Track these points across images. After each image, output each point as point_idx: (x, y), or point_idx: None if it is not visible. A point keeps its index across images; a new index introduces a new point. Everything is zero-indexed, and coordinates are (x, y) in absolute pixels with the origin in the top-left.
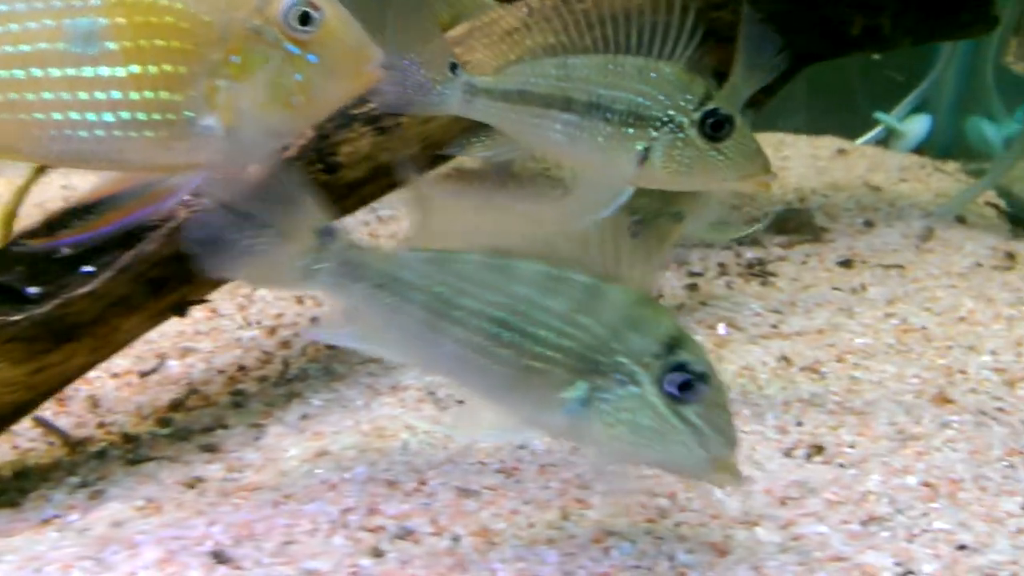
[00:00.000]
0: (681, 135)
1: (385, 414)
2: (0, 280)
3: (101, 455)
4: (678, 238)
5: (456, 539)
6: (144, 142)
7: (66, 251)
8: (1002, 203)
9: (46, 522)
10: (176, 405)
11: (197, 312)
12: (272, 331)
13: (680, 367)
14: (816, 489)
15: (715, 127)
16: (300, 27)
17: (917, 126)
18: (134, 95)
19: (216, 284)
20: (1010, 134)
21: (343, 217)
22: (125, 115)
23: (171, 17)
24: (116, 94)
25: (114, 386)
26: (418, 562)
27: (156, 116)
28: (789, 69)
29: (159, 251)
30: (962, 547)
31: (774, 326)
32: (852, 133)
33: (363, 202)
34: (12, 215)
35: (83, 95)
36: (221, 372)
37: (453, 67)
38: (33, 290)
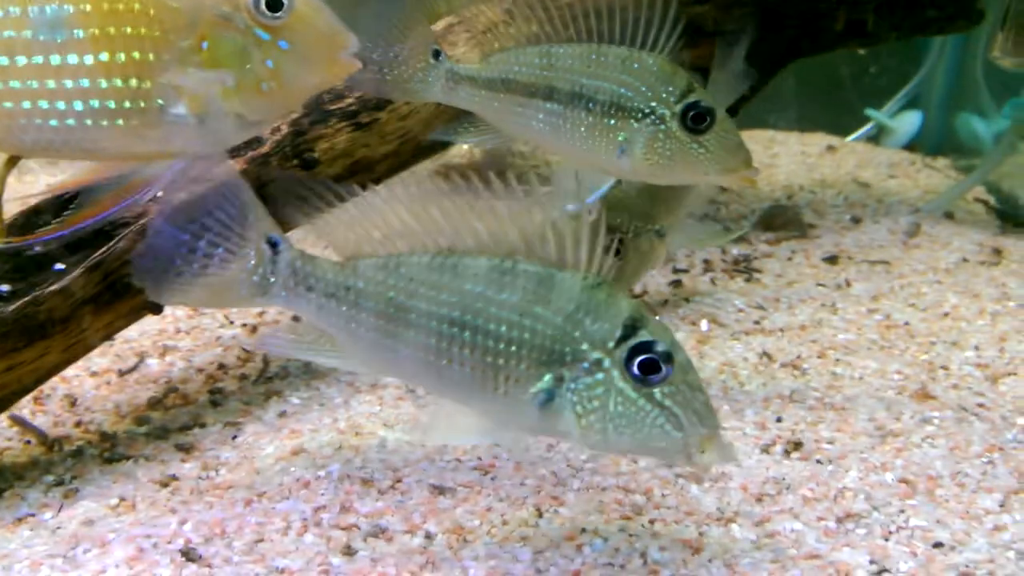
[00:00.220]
0: (663, 127)
1: (363, 412)
2: None
3: (78, 454)
4: (662, 255)
5: (429, 537)
6: (116, 131)
7: (38, 249)
8: (991, 199)
9: (20, 520)
10: (154, 404)
11: (178, 311)
12: (253, 329)
13: (642, 348)
14: (792, 486)
15: (696, 120)
16: (269, 13)
17: (908, 122)
18: (103, 83)
19: None
20: (999, 130)
21: None
22: (95, 103)
23: (138, 4)
24: (85, 82)
25: (93, 384)
26: (389, 560)
27: (126, 104)
28: (773, 66)
29: (131, 249)
30: (938, 545)
31: (757, 322)
32: (843, 130)
33: None
34: None
35: (51, 83)
36: (201, 371)
37: (436, 54)
38: (3, 288)
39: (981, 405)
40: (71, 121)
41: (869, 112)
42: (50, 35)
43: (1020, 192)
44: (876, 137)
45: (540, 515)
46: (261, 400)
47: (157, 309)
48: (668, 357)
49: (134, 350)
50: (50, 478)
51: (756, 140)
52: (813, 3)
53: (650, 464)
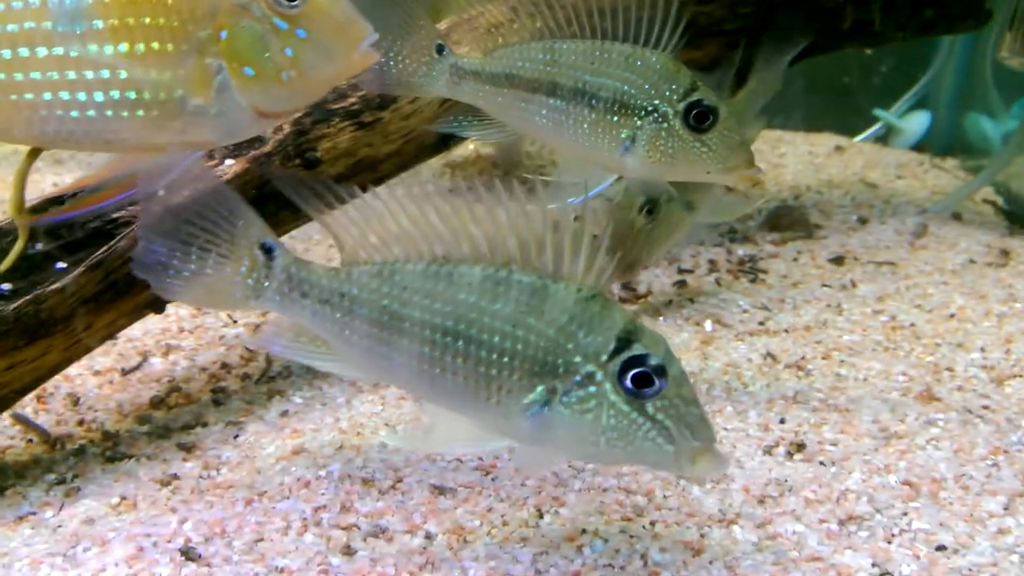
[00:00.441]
0: (665, 125)
1: (366, 412)
2: None
3: (80, 452)
4: (687, 227)
5: (429, 537)
6: (136, 122)
7: (39, 247)
8: (999, 200)
9: (21, 519)
10: (157, 403)
11: (182, 310)
12: (256, 329)
13: (635, 362)
14: (795, 487)
15: (699, 118)
16: (287, 1)
17: (916, 123)
18: (123, 74)
19: None
20: (1008, 130)
21: None
22: (115, 94)
23: None
24: (105, 73)
25: (95, 384)
26: (389, 560)
27: (146, 95)
28: None
29: (132, 247)
30: (941, 548)
31: (761, 323)
32: (851, 130)
33: None
34: (22, 201)
35: (72, 75)
36: (204, 370)
37: (440, 49)
38: (4, 286)
39: (986, 407)
40: (92, 112)
41: (877, 112)
42: (70, 26)
43: None
44: (884, 137)
45: (541, 516)
46: (263, 399)
47: (159, 308)
48: (661, 371)
49: (137, 349)
50: (52, 477)
51: (763, 140)
52: (819, 2)
53: None
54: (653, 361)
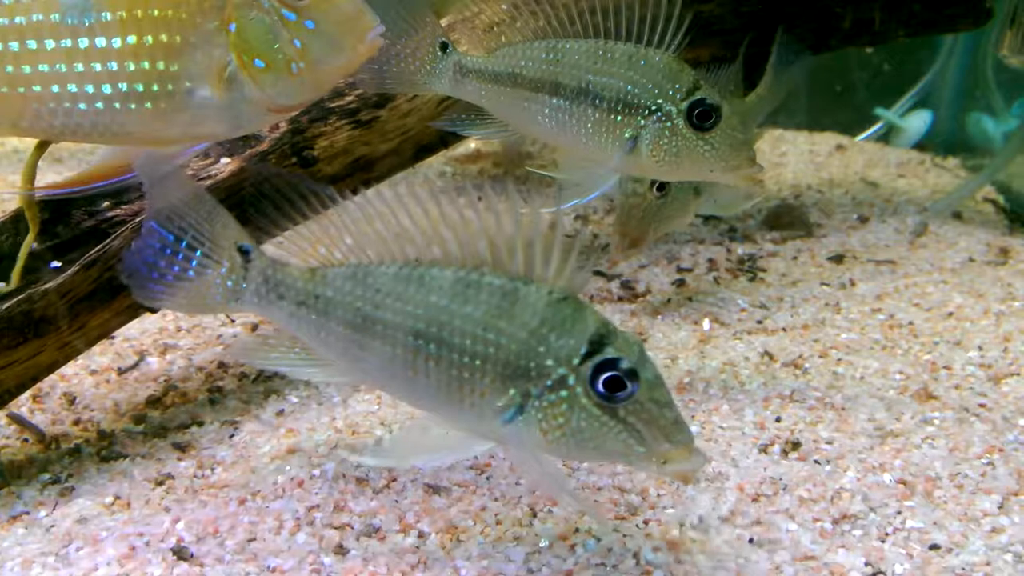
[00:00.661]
0: (668, 124)
1: (361, 411)
2: None
3: (75, 452)
4: (693, 210)
5: (422, 536)
6: (144, 114)
7: (35, 246)
8: (1000, 199)
9: (14, 518)
10: (153, 402)
11: None
12: (253, 328)
13: (607, 365)
14: (789, 486)
15: (702, 117)
16: None
17: (918, 122)
18: (131, 66)
19: None
20: (1010, 129)
21: None
22: (123, 86)
23: None
24: (113, 65)
25: (92, 383)
26: (381, 559)
27: (155, 87)
28: None
29: (126, 247)
30: (935, 547)
31: (759, 321)
32: (852, 129)
33: None
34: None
35: (80, 67)
36: (200, 369)
37: (444, 47)
38: None
39: (983, 406)
40: (100, 104)
41: (879, 111)
42: (78, 18)
43: None
44: (886, 136)
45: (534, 515)
46: (260, 399)
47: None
48: (633, 375)
49: (134, 348)
50: (46, 476)
51: (765, 139)
52: (820, 1)
53: None
54: (625, 365)
